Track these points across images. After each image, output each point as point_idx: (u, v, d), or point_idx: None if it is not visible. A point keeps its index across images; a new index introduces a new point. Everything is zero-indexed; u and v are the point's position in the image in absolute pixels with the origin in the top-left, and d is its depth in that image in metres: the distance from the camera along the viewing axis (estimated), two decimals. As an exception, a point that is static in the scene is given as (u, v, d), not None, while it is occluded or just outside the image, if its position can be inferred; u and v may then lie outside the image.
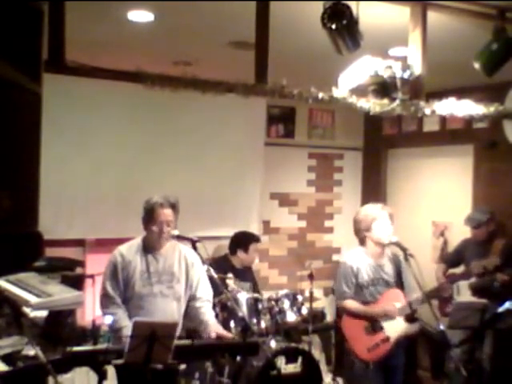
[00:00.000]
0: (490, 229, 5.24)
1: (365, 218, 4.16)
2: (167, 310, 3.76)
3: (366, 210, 4.22)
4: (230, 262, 5.33)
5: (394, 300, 4.10)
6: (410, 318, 4.05)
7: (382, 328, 4.07)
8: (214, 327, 3.76)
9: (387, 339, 4.04)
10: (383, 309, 4.07)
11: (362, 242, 4.23)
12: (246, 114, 5.88)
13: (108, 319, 3.75)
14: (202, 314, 3.83)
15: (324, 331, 6.01)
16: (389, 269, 4.19)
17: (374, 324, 4.09)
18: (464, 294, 5.14)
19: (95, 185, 5.31)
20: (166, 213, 3.74)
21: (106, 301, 3.76)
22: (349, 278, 4.13)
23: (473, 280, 5.13)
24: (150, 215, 3.76)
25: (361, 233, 4.20)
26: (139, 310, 3.69)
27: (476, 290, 5.09)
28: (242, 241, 5.40)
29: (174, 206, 3.77)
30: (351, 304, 4.15)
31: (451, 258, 5.52)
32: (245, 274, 5.30)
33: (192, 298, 3.89)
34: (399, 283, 4.18)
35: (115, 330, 3.66)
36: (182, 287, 3.84)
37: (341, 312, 4.40)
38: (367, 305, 4.13)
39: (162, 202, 3.74)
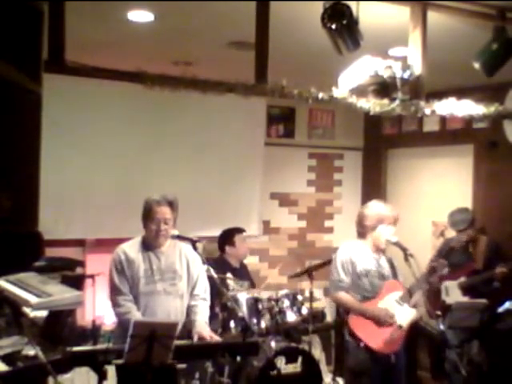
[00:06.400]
0: (475, 227, 5.20)
1: (373, 216, 4.05)
2: (170, 307, 3.75)
3: (376, 209, 4.09)
4: (227, 261, 5.32)
5: (394, 289, 4.03)
6: (413, 304, 4.03)
7: (392, 317, 3.97)
8: (198, 328, 3.70)
9: (400, 327, 3.95)
10: (379, 314, 3.95)
11: (361, 235, 4.14)
12: (246, 114, 5.87)
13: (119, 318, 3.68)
14: (194, 313, 3.80)
15: (324, 331, 6.02)
16: (384, 262, 4.13)
17: None
18: (453, 294, 5.12)
19: (95, 185, 5.30)
20: (163, 210, 3.70)
21: (117, 298, 3.67)
22: (346, 267, 3.99)
23: (462, 279, 5.13)
24: (147, 213, 3.74)
25: (363, 228, 4.10)
26: (143, 309, 3.67)
27: (466, 289, 5.09)
28: (226, 236, 5.39)
29: (171, 204, 3.73)
30: (345, 297, 3.99)
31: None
32: (242, 273, 5.31)
33: (189, 295, 3.88)
34: (394, 276, 4.12)
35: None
36: (185, 284, 3.83)
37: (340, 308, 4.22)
38: (368, 300, 4.00)
39: (158, 200, 3.71)
